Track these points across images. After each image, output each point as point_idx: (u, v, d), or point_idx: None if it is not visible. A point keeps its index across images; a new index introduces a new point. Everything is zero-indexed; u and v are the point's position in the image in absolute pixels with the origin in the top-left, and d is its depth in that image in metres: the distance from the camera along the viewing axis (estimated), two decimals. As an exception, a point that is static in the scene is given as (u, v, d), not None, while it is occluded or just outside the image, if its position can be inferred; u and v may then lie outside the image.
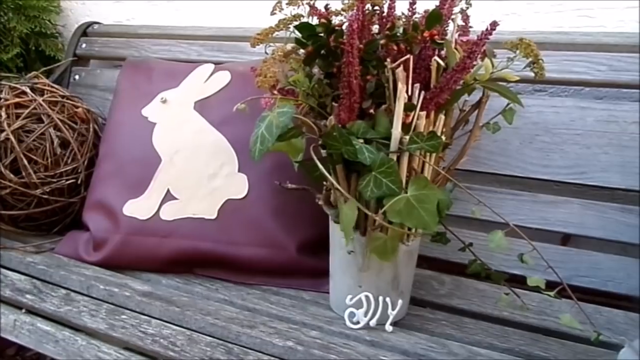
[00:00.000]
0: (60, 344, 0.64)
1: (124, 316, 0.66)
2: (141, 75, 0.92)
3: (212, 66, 0.89)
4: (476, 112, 0.68)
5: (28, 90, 0.89)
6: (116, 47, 1.15)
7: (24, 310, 0.70)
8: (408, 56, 0.55)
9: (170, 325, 0.64)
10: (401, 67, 0.59)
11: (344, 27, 0.59)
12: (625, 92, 0.79)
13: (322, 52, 0.58)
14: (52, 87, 0.94)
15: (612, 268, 0.73)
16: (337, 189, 0.54)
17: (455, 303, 0.75)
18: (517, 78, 0.60)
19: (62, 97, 0.93)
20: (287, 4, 0.61)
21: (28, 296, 0.71)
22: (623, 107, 0.75)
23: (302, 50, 0.59)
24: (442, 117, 0.62)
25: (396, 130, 0.57)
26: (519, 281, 0.71)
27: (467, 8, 0.70)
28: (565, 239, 0.81)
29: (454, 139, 0.67)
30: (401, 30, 0.57)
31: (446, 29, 0.64)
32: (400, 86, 0.56)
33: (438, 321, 0.70)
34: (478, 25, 0.93)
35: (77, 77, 1.17)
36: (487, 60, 0.58)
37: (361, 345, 0.62)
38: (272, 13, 0.61)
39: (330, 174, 0.60)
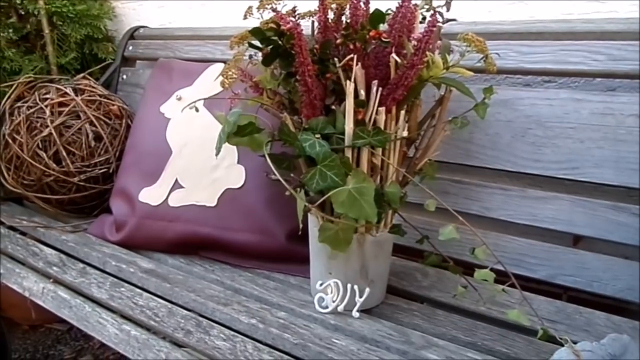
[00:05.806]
0: (73, 310, 0.76)
1: (122, 289, 0.75)
2: (164, 75, 1.02)
3: (222, 65, 0.96)
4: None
5: (70, 90, 1.02)
6: (156, 49, 1.26)
7: (51, 280, 0.82)
8: (351, 56, 0.58)
9: (158, 299, 0.73)
10: (359, 65, 0.61)
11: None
12: (623, 83, 0.74)
13: (280, 53, 0.62)
14: (93, 87, 1.07)
15: (598, 268, 0.70)
16: (283, 183, 0.58)
17: (434, 295, 0.76)
18: (471, 74, 0.59)
19: (100, 96, 1.06)
20: (256, 8, 0.65)
21: (55, 268, 0.83)
22: (621, 99, 0.71)
23: (259, 53, 0.64)
24: (402, 112, 0.63)
25: (348, 126, 0.60)
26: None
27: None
28: (577, 240, 0.78)
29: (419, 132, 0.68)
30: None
31: (413, 26, 0.65)
32: (349, 83, 0.58)
33: (410, 311, 0.72)
34: (484, 15, 0.92)
35: (124, 76, 1.31)
36: (436, 56, 0.59)
37: (321, 327, 0.66)
38: (245, 18, 0.66)
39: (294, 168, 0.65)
